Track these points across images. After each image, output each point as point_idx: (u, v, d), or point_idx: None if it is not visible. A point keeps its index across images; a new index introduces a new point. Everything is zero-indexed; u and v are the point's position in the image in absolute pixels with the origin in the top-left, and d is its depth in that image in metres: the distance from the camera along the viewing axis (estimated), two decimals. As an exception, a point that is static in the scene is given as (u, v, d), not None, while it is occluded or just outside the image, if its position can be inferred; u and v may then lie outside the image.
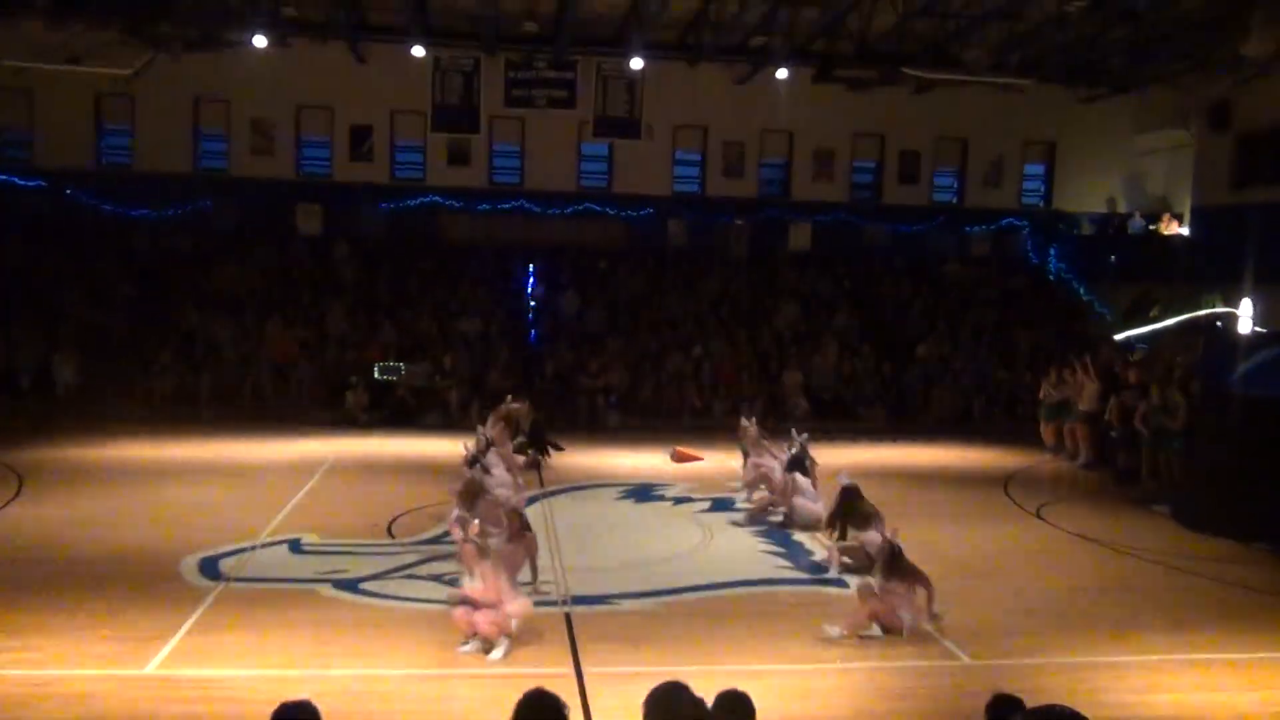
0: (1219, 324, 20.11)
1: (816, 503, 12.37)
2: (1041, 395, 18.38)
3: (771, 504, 12.82)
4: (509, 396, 16.53)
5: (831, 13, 19.35)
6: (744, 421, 14.58)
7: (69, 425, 17.65)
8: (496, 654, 7.96)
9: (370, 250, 24.39)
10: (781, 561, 10.93)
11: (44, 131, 23.98)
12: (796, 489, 12.48)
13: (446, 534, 11.47)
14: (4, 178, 23.58)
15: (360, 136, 25.24)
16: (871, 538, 9.91)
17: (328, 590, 9.45)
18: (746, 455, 14.29)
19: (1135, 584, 10.61)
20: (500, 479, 12.12)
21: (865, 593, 8.73)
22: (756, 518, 12.68)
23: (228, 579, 9.63)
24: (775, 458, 13.35)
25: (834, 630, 8.51)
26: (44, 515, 11.85)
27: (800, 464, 12.84)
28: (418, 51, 22.08)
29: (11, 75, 21.70)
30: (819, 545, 11.45)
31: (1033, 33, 20.55)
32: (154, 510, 12.27)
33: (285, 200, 24.53)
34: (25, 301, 21.20)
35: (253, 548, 10.68)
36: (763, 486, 13.12)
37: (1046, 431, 18.24)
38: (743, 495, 13.68)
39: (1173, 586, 10.55)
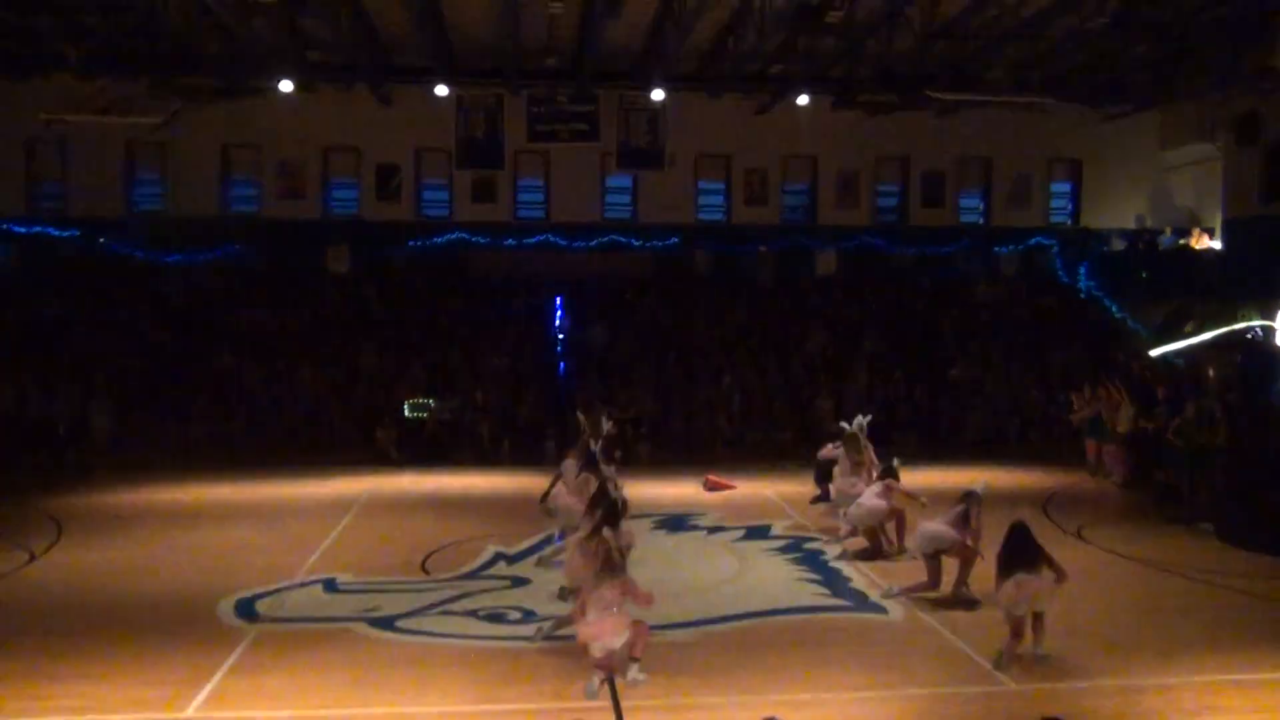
0: (1256, 337, 19.83)
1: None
2: (1074, 411, 18.17)
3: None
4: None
5: (850, 38, 19.38)
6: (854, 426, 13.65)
7: (106, 472, 17.83)
8: (638, 675, 7.95)
9: (399, 288, 24.59)
10: (819, 589, 10.81)
11: (77, 181, 24.40)
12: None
13: (480, 569, 11.48)
14: (39, 228, 23.99)
15: (387, 176, 25.50)
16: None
17: (364, 629, 9.44)
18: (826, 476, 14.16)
19: (1181, 603, 10.41)
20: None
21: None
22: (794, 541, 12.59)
23: (264, 620, 9.64)
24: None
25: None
26: (83, 561, 11.93)
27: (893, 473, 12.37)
28: (441, 91, 22.31)
29: (45, 127, 22.14)
30: (856, 572, 11.34)
31: (1054, 51, 20.47)
32: (190, 553, 12.33)
33: (314, 241, 24.79)
34: (61, 350, 21.48)
35: (288, 588, 10.69)
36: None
37: (1089, 447, 18.03)
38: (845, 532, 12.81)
39: (1219, 605, 10.34)
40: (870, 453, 13.32)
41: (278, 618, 9.74)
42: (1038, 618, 8.61)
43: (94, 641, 9.03)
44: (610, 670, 7.98)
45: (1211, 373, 17.93)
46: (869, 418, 13.87)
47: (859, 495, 12.43)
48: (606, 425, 14.14)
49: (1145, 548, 12.56)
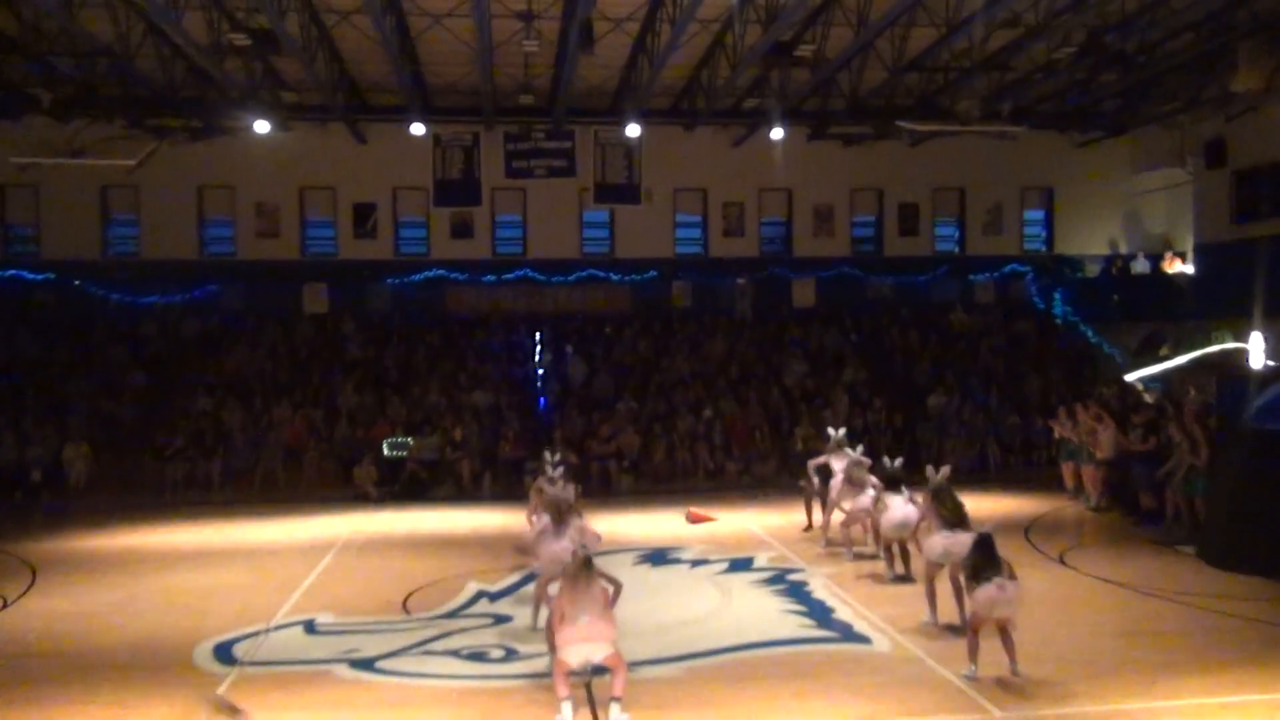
0: (1231, 359, 20.02)
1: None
2: (1056, 434, 18.28)
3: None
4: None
5: (822, 72, 19.60)
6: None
7: (81, 516, 17.61)
8: (620, 716, 7.78)
9: (377, 326, 24.54)
10: (804, 620, 10.75)
11: (51, 225, 24.34)
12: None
13: (461, 608, 11.38)
14: (13, 272, 23.85)
15: (364, 214, 25.54)
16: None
17: (344, 670, 9.31)
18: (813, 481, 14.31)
19: (1164, 627, 10.40)
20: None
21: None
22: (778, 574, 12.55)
23: (242, 663, 9.51)
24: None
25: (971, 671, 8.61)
26: (57, 607, 11.74)
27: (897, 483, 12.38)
28: (417, 129, 22.40)
29: (18, 171, 22.07)
30: (841, 603, 11.29)
31: (1023, 81, 20.80)
32: (167, 597, 12.16)
33: (291, 281, 24.78)
34: (35, 394, 21.28)
35: (267, 630, 10.55)
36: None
37: (1065, 472, 18.09)
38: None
39: (1202, 628, 10.34)
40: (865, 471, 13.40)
41: (256, 661, 9.59)
42: (1006, 634, 8.59)
43: (69, 687, 8.86)
44: (575, 680, 7.88)
45: (1189, 395, 18.03)
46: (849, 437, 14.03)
47: (866, 506, 12.75)
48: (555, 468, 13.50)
49: (1128, 571, 12.56)
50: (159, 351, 23.44)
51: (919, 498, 11.41)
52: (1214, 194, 24.03)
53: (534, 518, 12.48)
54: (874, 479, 12.96)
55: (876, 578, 12.38)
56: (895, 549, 12.30)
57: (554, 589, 8.85)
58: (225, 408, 21.38)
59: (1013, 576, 8.63)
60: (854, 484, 13.16)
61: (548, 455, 13.83)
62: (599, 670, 8.86)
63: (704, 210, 26.59)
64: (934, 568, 10.40)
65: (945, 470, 10.83)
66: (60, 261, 24.03)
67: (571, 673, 7.85)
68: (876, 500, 12.47)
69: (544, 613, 10.21)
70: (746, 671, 9.19)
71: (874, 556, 13.08)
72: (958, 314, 26.29)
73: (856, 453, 13.55)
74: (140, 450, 20.36)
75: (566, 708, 7.75)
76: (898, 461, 12.50)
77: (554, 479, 12.57)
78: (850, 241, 27.05)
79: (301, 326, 24.48)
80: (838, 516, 13.79)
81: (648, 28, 18.67)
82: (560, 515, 10.40)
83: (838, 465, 13.99)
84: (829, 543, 14.00)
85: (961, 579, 9.73)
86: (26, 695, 8.70)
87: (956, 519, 10.15)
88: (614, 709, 7.87)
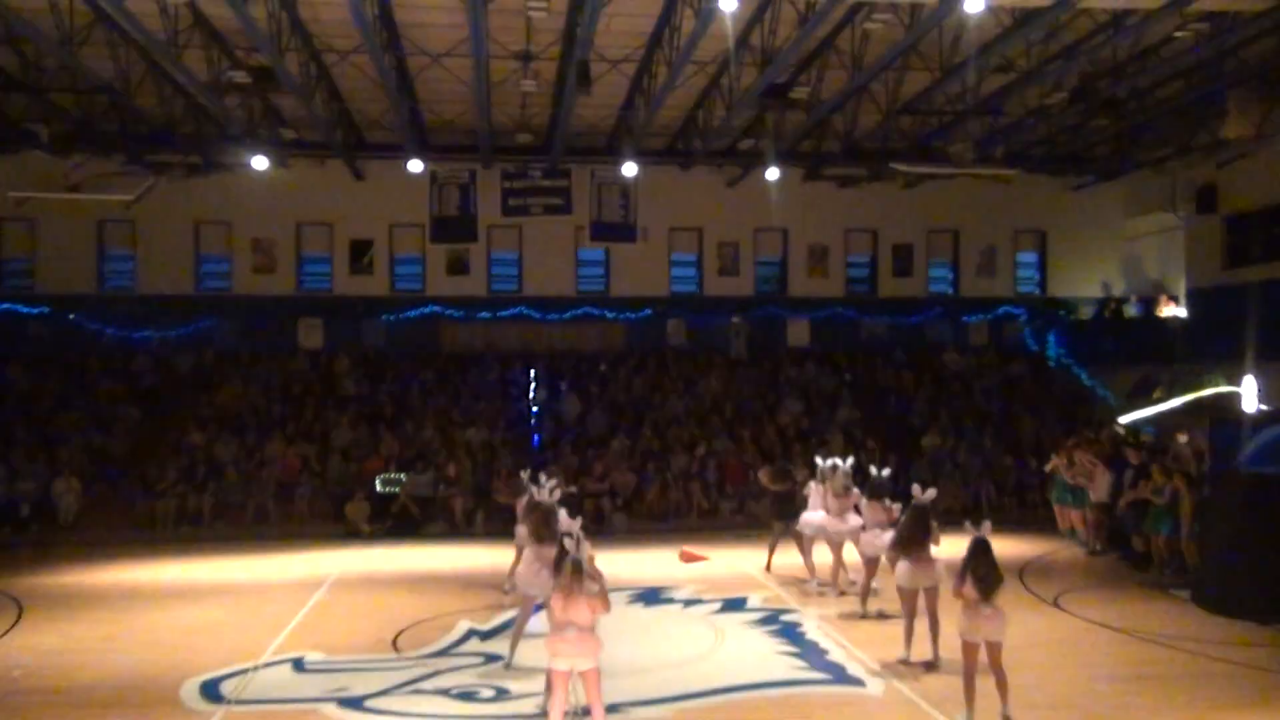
0: (1224, 403, 20.05)
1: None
2: (1049, 470, 18.26)
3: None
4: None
5: (817, 114, 19.78)
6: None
7: (71, 551, 17.50)
8: None
9: (372, 362, 24.53)
10: (797, 662, 10.68)
11: (47, 258, 24.35)
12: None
13: (452, 646, 11.29)
14: (7, 305, 23.83)
15: (360, 250, 25.61)
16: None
17: (332, 709, 9.21)
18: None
19: (1159, 671, 10.35)
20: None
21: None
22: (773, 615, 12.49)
23: (229, 701, 9.41)
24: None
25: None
26: (43, 643, 11.63)
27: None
28: (415, 166, 22.51)
29: (15, 204, 22.13)
30: (834, 644, 11.22)
31: (1016, 125, 21.00)
32: (154, 633, 12.06)
33: (287, 316, 24.79)
34: (27, 428, 21.20)
35: (255, 668, 10.45)
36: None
37: (1059, 514, 18.07)
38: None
39: (1197, 672, 10.29)
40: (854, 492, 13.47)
41: (244, 699, 9.50)
42: (999, 673, 8.51)
43: (53, 727, 8.77)
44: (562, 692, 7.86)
45: (1183, 439, 18.05)
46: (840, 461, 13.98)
47: (848, 528, 13.07)
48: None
49: (1122, 615, 12.52)
50: (152, 386, 23.38)
51: (896, 511, 11.67)
52: (1205, 239, 24.20)
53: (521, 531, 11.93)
54: (857, 491, 13.14)
55: (870, 620, 12.32)
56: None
57: (534, 624, 8.71)
58: (218, 442, 21.30)
59: (994, 599, 8.64)
60: (838, 497, 13.32)
61: (542, 478, 11.95)
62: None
63: (699, 249, 26.70)
64: (909, 595, 10.62)
65: (931, 492, 10.98)
66: (56, 295, 24.03)
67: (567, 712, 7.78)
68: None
69: (522, 647, 10.17)
70: (738, 713, 9.11)
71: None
72: (952, 354, 26.36)
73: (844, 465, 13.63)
74: (131, 484, 20.26)
75: None
76: (885, 471, 12.73)
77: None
78: (845, 281, 27.16)
79: (296, 361, 24.46)
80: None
81: (644, 69, 18.85)
82: (546, 528, 9.85)
83: (815, 497, 13.95)
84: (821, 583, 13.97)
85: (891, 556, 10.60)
86: (10, 732, 8.60)
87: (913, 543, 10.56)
88: None
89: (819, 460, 14.54)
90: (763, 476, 15.43)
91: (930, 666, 10.24)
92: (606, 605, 8.01)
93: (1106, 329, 26.35)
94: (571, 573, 7.91)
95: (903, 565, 10.67)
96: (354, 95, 20.60)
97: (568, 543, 8.57)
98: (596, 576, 7.94)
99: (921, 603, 10.54)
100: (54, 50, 15.99)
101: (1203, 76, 18.70)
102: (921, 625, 10.52)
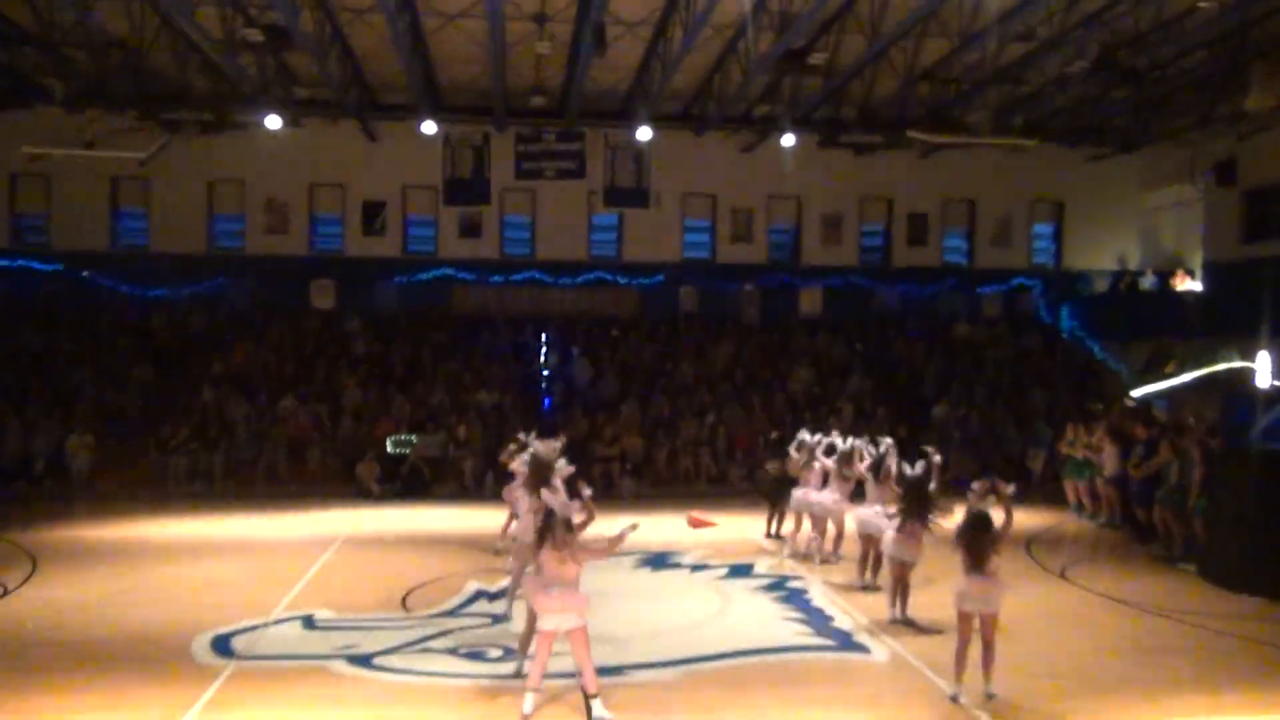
0: (1238, 379, 19.97)
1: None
2: (1061, 450, 18.24)
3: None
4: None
5: (834, 80, 19.60)
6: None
7: (84, 507, 17.67)
8: (603, 714, 7.82)
9: (384, 324, 24.56)
10: (802, 628, 10.73)
11: (61, 216, 24.39)
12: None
13: (460, 606, 11.37)
14: (22, 262, 23.92)
15: (373, 212, 25.57)
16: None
17: (341, 666, 9.31)
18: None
19: (1164, 644, 10.37)
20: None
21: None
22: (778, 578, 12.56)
23: (240, 657, 9.51)
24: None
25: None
26: (57, 597, 11.76)
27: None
28: (428, 128, 22.41)
29: (29, 161, 22.13)
30: (840, 611, 11.27)
31: (1035, 95, 20.78)
32: (166, 589, 12.18)
33: (299, 277, 24.83)
34: (41, 385, 21.33)
35: (266, 624, 10.56)
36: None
37: (1069, 488, 18.06)
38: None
39: (1202, 646, 10.31)
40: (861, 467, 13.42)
41: (254, 655, 9.60)
42: (988, 646, 8.54)
43: (67, 677, 8.87)
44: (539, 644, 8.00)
45: (1189, 421, 17.99)
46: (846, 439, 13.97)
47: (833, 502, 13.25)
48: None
49: (1128, 588, 12.53)
50: (165, 344, 23.47)
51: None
52: (1224, 212, 23.98)
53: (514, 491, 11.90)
54: (861, 468, 13.07)
55: (872, 591, 12.36)
56: (871, 556, 12.34)
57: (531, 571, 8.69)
58: (230, 401, 21.41)
59: (989, 566, 8.61)
60: (845, 481, 13.27)
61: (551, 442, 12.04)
62: (596, 671, 8.83)
63: (712, 216, 26.60)
64: (898, 566, 10.79)
65: (923, 462, 11.07)
66: (69, 253, 24.10)
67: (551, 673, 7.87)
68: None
69: (519, 607, 10.22)
70: (743, 678, 9.17)
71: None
72: (960, 326, 26.25)
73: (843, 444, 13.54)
74: (144, 442, 20.40)
75: (529, 699, 7.89)
76: (888, 441, 12.75)
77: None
78: (859, 250, 27.04)
79: (308, 322, 24.52)
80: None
81: (660, 32, 18.69)
82: (541, 478, 9.78)
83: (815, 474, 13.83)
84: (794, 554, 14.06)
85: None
86: (24, 684, 8.71)
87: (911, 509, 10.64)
88: (595, 705, 7.87)
89: (805, 435, 14.33)
90: (771, 469, 15.37)
91: (909, 624, 10.57)
92: (599, 551, 8.06)
93: (1121, 302, 26.20)
94: (557, 528, 7.95)
95: (890, 535, 10.94)
96: (368, 55, 20.49)
97: (545, 495, 8.64)
98: (588, 512, 8.07)
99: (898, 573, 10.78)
100: (68, 6, 15.91)
101: (1225, 47, 18.45)
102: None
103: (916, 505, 10.62)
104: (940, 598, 10.46)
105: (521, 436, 13.13)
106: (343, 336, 24.19)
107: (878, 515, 11.99)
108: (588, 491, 8.78)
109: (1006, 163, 24.89)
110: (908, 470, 11.13)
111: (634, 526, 8.44)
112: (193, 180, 24.60)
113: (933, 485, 10.82)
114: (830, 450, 13.67)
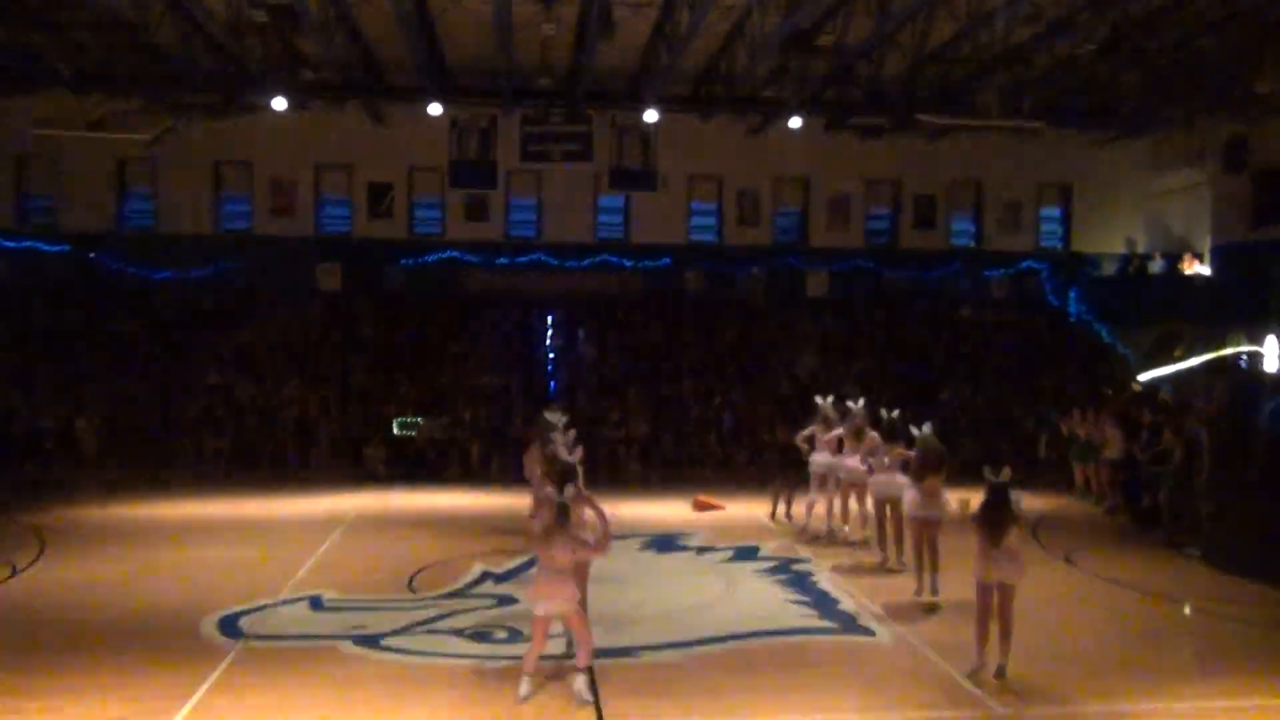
0: (1244, 363, 19.92)
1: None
2: (1065, 433, 18.23)
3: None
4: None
5: (841, 62, 19.49)
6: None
7: (91, 487, 17.74)
8: (583, 690, 7.94)
9: (390, 306, 24.57)
10: (807, 611, 10.77)
11: (68, 196, 24.39)
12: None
13: (466, 588, 11.43)
14: (29, 243, 23.95)
15: (379, 194, 25.54)
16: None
17: (349, 647, 9.37)
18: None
19: (1168, 629, 10.39)
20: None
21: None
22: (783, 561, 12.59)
23: (248, 637, 9.57)
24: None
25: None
26: (65, 577, 11.84)
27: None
28: (434, 110, 22.34)
29: (37, 142, 22.13)
30: (845, 593, 11.30)
31: (1044, 77, 20.63)
32: (174, 570, 12.25)
33: (306, 258, 24.81)
34: (49, 365, 21.39)
35: (273, 605, 10.62)
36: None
37: (1077, 471, 18.06)
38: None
39: (1206, 631, 10.33)
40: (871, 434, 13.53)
41: (262, 635, 9.66)
42: (1004, 625, 8.56)
43: (75, 657, 8.95)
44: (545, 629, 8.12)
45: (1195, 406, 17.97)
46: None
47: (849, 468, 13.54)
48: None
49: (1132, 573, 12.54)
50: (172, 325, 23.52)
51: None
52: (1233, 196, 23.85)
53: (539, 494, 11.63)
54: (874, 435, 13.29)
55: (881, 570, 12.39)
56: (890, 533, 12.39)
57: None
58: (237, 382, 21.46)
59: (1008, 537, 8.64)
60: (856, 441, 13.63)
61: (558, 416, 11.99)
62: (603, 652, 8.88)
63: (719, 198, 26.50)
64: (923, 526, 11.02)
65: (928, 426, 11.52)
66: (77, 233, 24.12)
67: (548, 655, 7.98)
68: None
69: None
70: (748, 659, 9.21)
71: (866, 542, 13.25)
72: (965, 309, 26.17)
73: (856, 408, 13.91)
74: (151, 423, 20.46)
75: (524, 684, 7.97)
76: (895, 412, 13.01)
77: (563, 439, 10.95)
78: (866, 233, 26.95)
79: (315, 304, 24.54)
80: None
81: (667, 13, 18.59)
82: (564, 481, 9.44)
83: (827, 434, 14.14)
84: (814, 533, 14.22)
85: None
86: (31, 664, 8.78)
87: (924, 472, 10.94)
88: (579, 680, 7.93)
89: (819, 400, 14.76)
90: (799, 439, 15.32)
91: (932, 609, 10.55)
92: (599, 549, 8.10)
93: (1129, 286, 26.08)
94: (555, 514, 7.99)
95: (910, 493, 11.11)
96: (374, 36, 20.38)
97: (551, 493, 8.67)
98: (592, 506, 8.11)
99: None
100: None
101: (1236, 29, 18.29)
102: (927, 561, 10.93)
103: (934, 460, 10.66)
104: (957, 576, 10.51)
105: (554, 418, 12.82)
106: (349, 319, 24.21)
107: (892, 476, 12.14)
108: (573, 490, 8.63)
109: (1014, 146, 24.76)
110: (915, 432, 11.19)
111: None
112: (199, 161, 24.56)
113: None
114: (844, 415, 13.80)
